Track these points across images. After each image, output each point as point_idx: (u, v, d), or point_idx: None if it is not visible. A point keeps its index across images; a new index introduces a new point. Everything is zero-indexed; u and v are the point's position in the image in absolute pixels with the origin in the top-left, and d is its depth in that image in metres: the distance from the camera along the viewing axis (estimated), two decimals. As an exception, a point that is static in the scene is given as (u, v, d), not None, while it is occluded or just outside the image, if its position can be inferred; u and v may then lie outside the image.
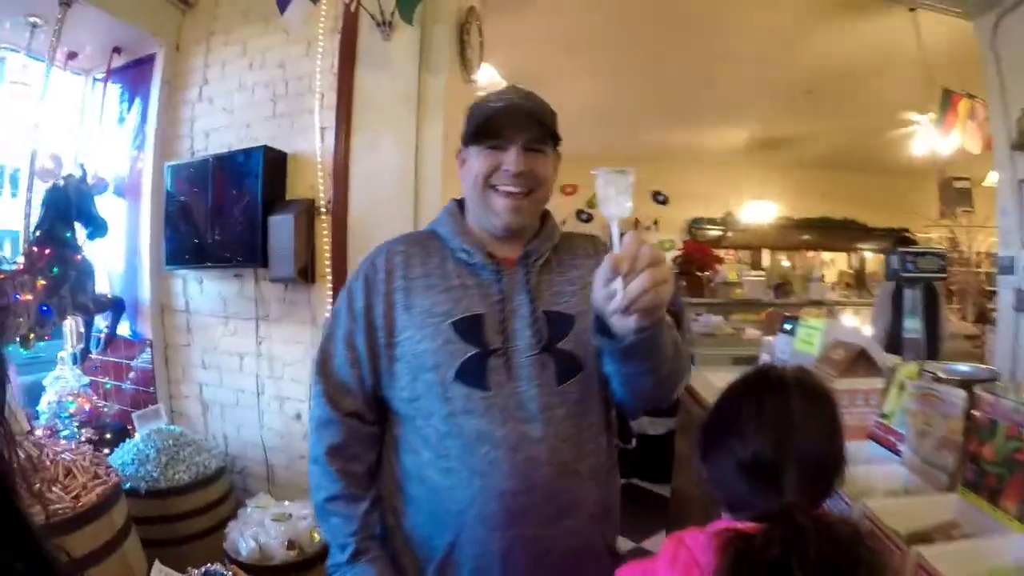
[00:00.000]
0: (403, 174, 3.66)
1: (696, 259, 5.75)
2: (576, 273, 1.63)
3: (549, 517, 1.47)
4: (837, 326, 2.83)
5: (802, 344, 2.85)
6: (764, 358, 3.27)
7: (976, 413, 1.70)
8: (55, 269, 3.62)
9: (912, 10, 5.24)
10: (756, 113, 8.39)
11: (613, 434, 1.71)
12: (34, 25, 4.09)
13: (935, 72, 5.74)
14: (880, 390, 2.26)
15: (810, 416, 1.21)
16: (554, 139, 1.62)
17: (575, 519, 1.51)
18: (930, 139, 6.97)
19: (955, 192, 9.76)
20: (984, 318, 6.57)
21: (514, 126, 1.54)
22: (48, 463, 2.73)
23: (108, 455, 3.39)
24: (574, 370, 1.52)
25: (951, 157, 7.23)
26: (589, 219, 10.86)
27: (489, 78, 5.50)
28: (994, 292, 6.87)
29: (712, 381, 3.35)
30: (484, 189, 1.56)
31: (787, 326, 3.10)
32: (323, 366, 1.64)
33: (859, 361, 2.31)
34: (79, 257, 3.79)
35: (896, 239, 6.24)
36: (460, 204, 1.72)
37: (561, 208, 10.83)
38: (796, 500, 1.09)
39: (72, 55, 4.63)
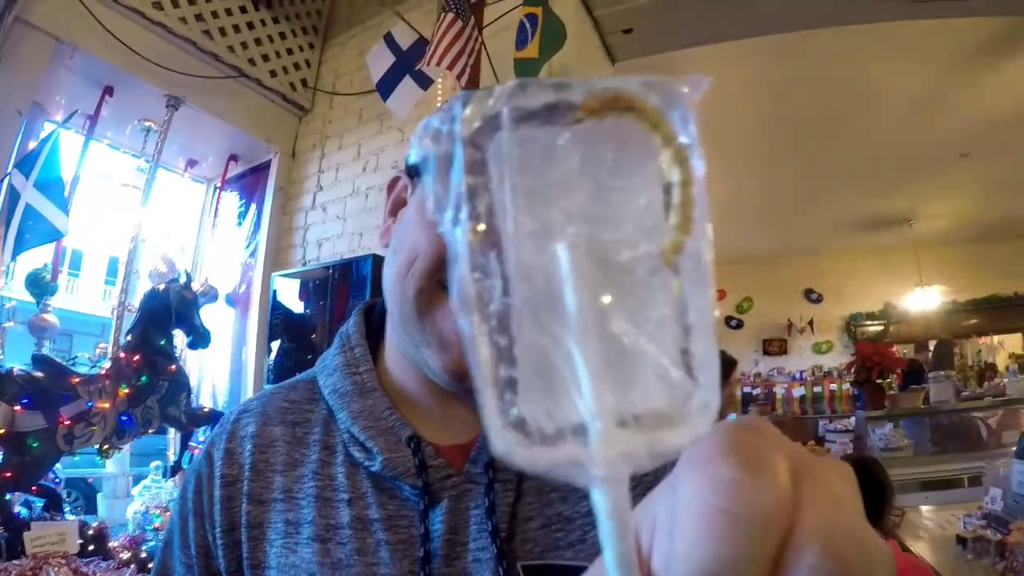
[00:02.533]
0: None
1: (876, 363, 4.77)
2: None
3: None
4: None
5: None
6: (994, 494, 2.53)
7: None
8: (143, 377, 3.32)
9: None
10: (910, 190, 7.79)
11: None
12: (148, 130, 4.11)
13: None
14: None
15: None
16: None
17: None
18: None
19: None
20: None
21: None
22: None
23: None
24: None
25: None
26: (739, 325, 10.22)
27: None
28: None
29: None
30: (428, 292, 0.72)
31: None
32: None
33: None
34: (173, 367, 3.50)
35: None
36: (372, 314, 0.92)
37: (703, 315, 10.28)
38: None
39: (192, 162, 4.67)
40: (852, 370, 5.20)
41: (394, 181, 0.87)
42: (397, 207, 0.84)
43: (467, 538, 0.72)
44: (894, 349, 7.45)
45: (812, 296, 10.12)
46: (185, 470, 3.75)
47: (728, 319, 10.27)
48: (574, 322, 0.23)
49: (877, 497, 2.36)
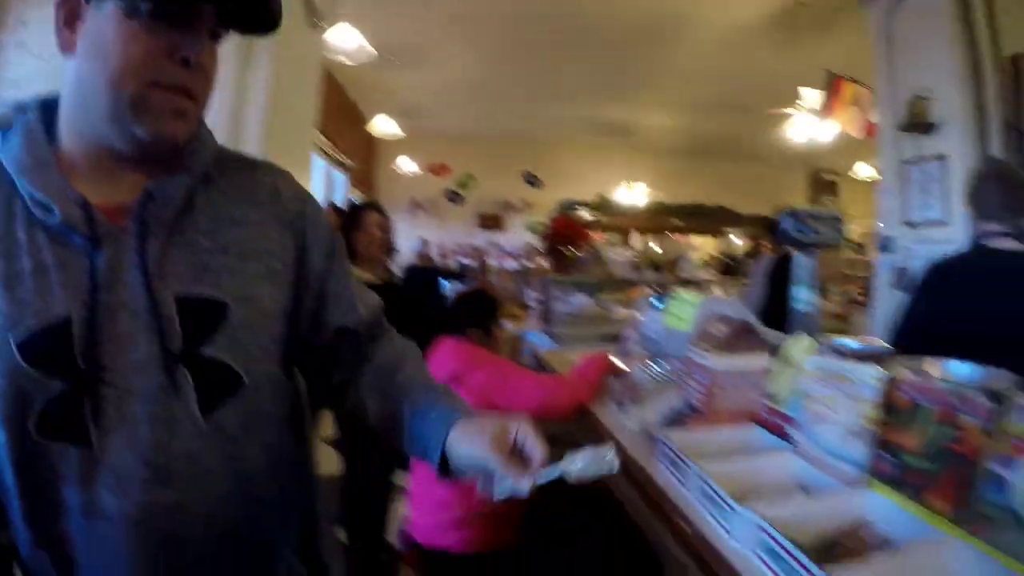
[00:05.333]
0: (218, 128, 3.13)
1: (564, 235, 5.42)
2: (238, 232, 1.01)
3: None
4: (714, 300, 2.50)
5: (674, 320, 2.49)
6: (629, 334, 2.93)
7: (894, 395, 1.40)
8: None
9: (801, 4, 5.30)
10: (638, 100, 8.40)
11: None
12: None
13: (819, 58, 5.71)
14: (766, 369, 1.90)
15: None
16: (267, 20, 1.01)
17: None
18: (808, 126, 7.02)
19: (823, 183, 10.28)
20: (853, 302, 6.59)
21: None
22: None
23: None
24: (228, 388, 0.96)
25: (821, 149, 7.45)
26: (460, 199, 10.54)
27: (354, 44, 4.98)
28: (856, 276, 7.11)
29: (570, 358, 3.14)
30: (140, 85, 0.90)
31: (656, 302, 2.76)
32: None
33: (742, 337, 1.94)
34: None
35: (767, 224, 6.29)
36: (48, 106, 1.00)
37: (427, 188, 10.50)
38: None
39: None
40: (545, 239, 5.72)
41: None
42: (73, 19, 0.93)
43: (126, 276, 0.91)
44: (600, 235, 8.18)
45: (532, 180, 10.65)
46: None
47: (449, 193, 10.55)
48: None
49: (491, 309, 2.68)
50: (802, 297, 2.57)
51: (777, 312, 3.40)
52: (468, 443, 0.96)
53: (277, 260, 1.03)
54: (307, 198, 1.13)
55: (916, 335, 2.27)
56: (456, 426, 0.99)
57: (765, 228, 6.54)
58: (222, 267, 0.97)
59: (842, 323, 5.83)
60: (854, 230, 9.20)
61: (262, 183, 1.08)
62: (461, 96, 8.51)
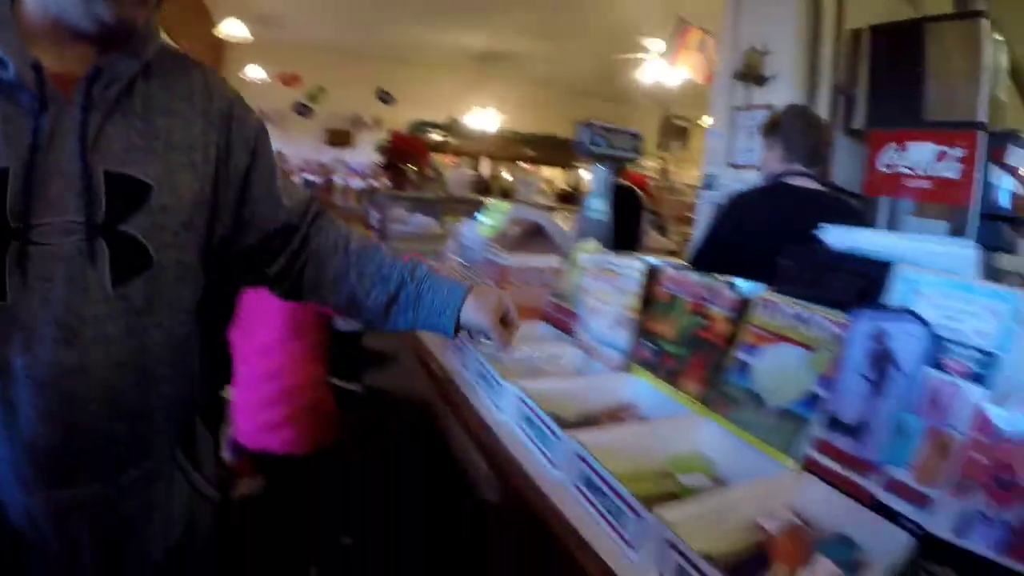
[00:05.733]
0: None
1: (404, 152, 5.41)
2: (168, 122, 1.06)
3: (108, 470, 1.06)
4: (519, 207, 2.60)
5: (486, 229, 2.57)
6: (449, 244, 3.02)
7: (656, 289, 1.53)
8: None
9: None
10: (490, 20, 8.29)
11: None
12: None
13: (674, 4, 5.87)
14: (555, 268, 2.03)
15: None
16: None
17: (146, 464, 1.11)
18: (657, 69, 7.21)
19: (674, 128, 10.60)
20: (687, 241, 6.91)
21: None
22: None
23: None
24: (139, 266, 1.02)
25: (675, 96, 7.62)
26: (308, 112, 10.22)
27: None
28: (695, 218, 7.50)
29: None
30: None
31: (478, 215, 2.86)
32: None
33: (535, 238, 2.05)
34: None
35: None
36: None
37: (276, 99, 10.06)
38: None
39: None
40: (385, 154, 5.67)
41: None
42: None
43: (65, 142, 0.94)
44: (451, 158, 8.08)
45: (385, 97, 10.43)
46: None
47: (299, 106, 10.23)
48: None
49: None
50: (594, 206, 2.69)
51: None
52: (475, 311, 1.31)
53: (200, 154, 1.08)
54: (236, 99, 1.20)
55: (713, 259, 2.43)
56: (467, 297, 1.32)
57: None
58: (151, 152, 1.03)
59: (676, 259, 6.12)
60: (698, 176, 9.65)
61: (196, 81, 1.13)
62: (318, 4, 8.19)
